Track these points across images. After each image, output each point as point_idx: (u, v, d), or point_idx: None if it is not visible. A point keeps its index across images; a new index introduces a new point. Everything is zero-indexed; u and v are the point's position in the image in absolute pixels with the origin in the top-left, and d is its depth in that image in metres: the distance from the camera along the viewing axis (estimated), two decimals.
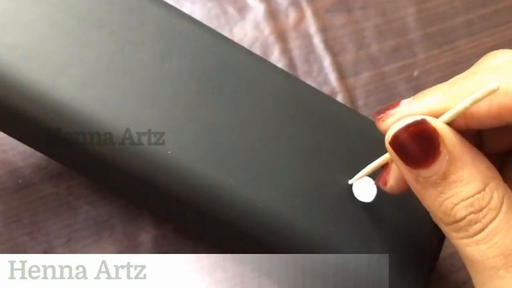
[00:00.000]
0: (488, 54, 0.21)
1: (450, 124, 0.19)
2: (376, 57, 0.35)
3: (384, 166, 0.22)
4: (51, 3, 0.24)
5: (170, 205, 0.25)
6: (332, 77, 0.34)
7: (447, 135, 0.19)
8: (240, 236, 0.24)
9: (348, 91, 0.34)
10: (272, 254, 0.24)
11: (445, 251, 0.31)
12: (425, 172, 0.19)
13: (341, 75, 0.35)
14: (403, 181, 0.21)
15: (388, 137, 0.19)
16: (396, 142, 0.19)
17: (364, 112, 0.34)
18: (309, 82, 0.34)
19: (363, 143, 0.25)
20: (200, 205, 0.23)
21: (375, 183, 0.23)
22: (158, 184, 0.23)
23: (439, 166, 0.18)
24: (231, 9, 0.35)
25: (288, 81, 0.26)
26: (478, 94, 0.17)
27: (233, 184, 0.23)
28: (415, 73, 0.35)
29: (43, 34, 0.23)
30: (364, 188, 0.24)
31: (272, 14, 0.36)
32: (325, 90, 0.34)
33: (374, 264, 0.23)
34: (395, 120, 0.20)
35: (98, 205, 0.30)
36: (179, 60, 0.24)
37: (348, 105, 0.33)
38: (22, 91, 0.22)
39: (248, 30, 0.35)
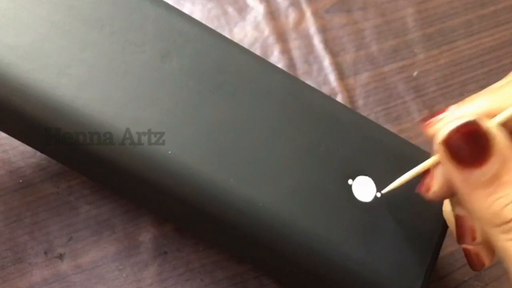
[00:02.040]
0: None
1: (502, 126, 0.19)
2: (376, 57, 0.35)
3: (425, 173, 0.22)
4: (51, 3, 0.24)
5: (170, 205, 0.25)
6: (332, 77, 0.34)
7: (500, 136, 0.19)
8: (240, 236, 0.24)
9: (348, 91, 0.34)
10: (272, 253, 0.24)
11: (445, 251, 0.31)
12: (476, 173, 0.19)
13: (341, 75, 0.35)
14: (447, 186, 0.21)
15: (440, 137, 0.19)
16: (449, 142, 0.19)
17: (363, 112, 0.34)
18: (309, 82, 0.34)
19: (363, 143, 0.25)
20: (200, 205, 0.23)
21: (416, 191, 0.23)
22: (158, 184, 0.23)
23: (491, 167, 0.18)
24: (231, 10, 0.35)
25: (288, 81, 0.26)
26: None
27: (233, 184, 0.23)
28: (415, 73, 0.35)
29: (44, 34, 0.23)
30: (363, 188, 0.24)
31: (272, 14, 0.36)
32: (324, 90, 0.34)
33: (374, 264, 0.23)
34: (445, 124, 0.19)
35: (98, 204, 0.30)
36: (179, 60, 0.24)
37: (347, 105, 0.33)
38: (22, 91, 0.22)
39: (248, 31, 0.35)
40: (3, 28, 0.23)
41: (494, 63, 0.36)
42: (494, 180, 0.19)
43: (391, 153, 0.25)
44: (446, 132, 0.19)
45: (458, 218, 0.23)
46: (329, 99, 0.26)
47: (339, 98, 0.34)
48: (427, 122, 0.21)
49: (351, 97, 0.34)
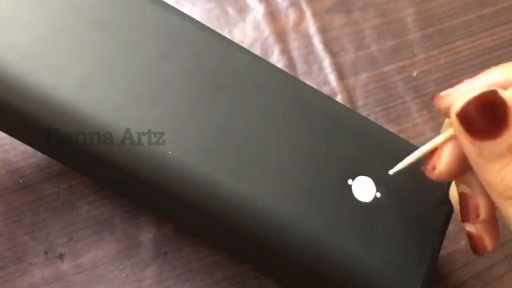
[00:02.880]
0: None
1: None
2: (376, 57, 0.35)
3: (432, 152, 0.22)
4: (51, 3, 0.24)
5: (171, 205, 0.25)
6: (332, 77, 0.34)
7: None
8: (240, 236, 0.24)
9: (348, 91, 0.34)
10: (272, 253, 0.24)
11: (445, 250, 0.31)
12: (491, 144, 0.19)
13: (341, 75, 0.35)
14: (454, 165, 0.21)
15: (456, 108, 0.19)
16: (464, 113, 0.19)
17: (363, 112, 0.34)
18: (309, 82, 0.34)
19: (363, 143, 0.25)
20: (200, 205, 0.23)
21: (421, 169, 0.22)
22: (158, 184, 0.23)
23: (506, 138, 0.18)
24: (231, 10, 0.36)
25: (288, 81, 0.26)
26: None
27: (233, 184, 0.23)
28: (415, 74, 0.35)
29: (44, 34, 0.23)
30: (363, 188, 0.24)
31: (272, 14, 0.36)
32: (324, 90, 0.34)
33: (373, 264, 0.23)
34: (460, 95, 0.19)
35: (98, 204, 0.30)
36: (179, 60, 0.24)
37: (347, 105, 0.33)
38: (22, 91, 0.22)
39: (248, 31, 0.35)
40: (3, 28, 0.23)
41: (494, 63, 0.35)
42: (509, 151, 0.18)
43: (391, 153, 0.25)
44: (461, 103, 0.19)
45: (462, 196, 0.23)
46: (329, 99, 0.26)
47: (339, 98, 0.34)
48: (440, 95, 0.21)
49: (351, 97, 0.34)
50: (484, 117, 0.18)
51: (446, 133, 0.21)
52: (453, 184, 0.25)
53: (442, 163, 0.21)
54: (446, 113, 0.21)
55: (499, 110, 0.18)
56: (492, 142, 0.18)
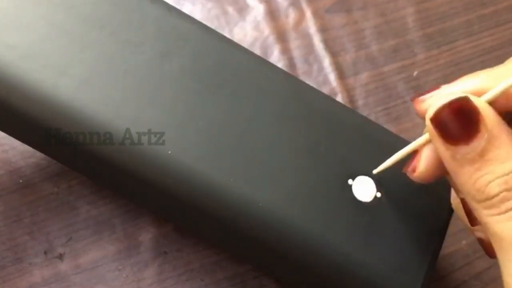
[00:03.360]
0: None
1: (490, 104, 0.19)
2: (376, 57, 0.35)
3: (413, 154, 0.22)
4: (51, 3, 0.24)
5: (170, 205, 0.25)
6: (332, 77, 0.34)
7: (488, 114, 0.19)
8: (240, 236, 0.24)
9: (348, 91, 0.34)
10: (272, 253, 0.24)
11: (445, 250, 0.31)
12: (463, 149, 0.19)
13: (341, 75, 0.35)
14: (433, 167, 0.22)
15: (430, 113, 0.20)
16: (438, 118, 0.19)
17: (363, 112, 0.34)
18: (309, 82, 0.34)
19: (363, 143, 0.25)
20: (200, 205, 0.23)
21: (403, 172, 0.23)
22: (158, 184, 0.23)
23: (478, 143, 0.19)
24: (231, 10, 0.35)
25: (288, 81, 0.26)
26: None
27: (233, 184, 0.23)
28: (415, 73, 0.35)
29: (43, 34, 0.23)
30: (363, 188, 0.24)
31: (272, 14, 0.36)
32: (324, 90, 0.34)
33: (374, 264, 0.23)
34: (435, 100, 0.20)
35: (98, 204, 0.30)
36: (179, 60, 0.24)
37: (347, 105, 0.33)
38: (22, 91, 0.22)
39: (248, 30, 0.35)
40: (3, 28, 0.23)
41: (494, 63, 0.35)
42: (481, 156, 0.19)
43: (391, 153, 0.25)
44: (436, 107, 0.19)
45: (463, 201, 0.23)
46: (329, 99, 0.26)
47: (339, 98, 0.34)
48: (418, 99, 0.22)
49: (351, 97, 0.34)
50: (457, 122, 0.19)
51: (426, 135, 0.22)
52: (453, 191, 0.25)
53: (422, 165, 0.22)
54: (423, 117, 0.21)
55: (471, 116, 0.19)
56: (464, 147, 0.19)
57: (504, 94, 0.19)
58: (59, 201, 0.29)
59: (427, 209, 0.25)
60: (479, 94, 0.20)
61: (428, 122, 0.20)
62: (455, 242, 0.31)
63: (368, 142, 0.25)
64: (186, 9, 0.35)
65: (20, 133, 0.25)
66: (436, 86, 0.22)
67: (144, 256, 0.29)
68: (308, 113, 0.25)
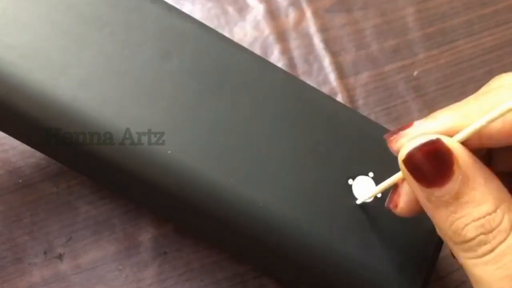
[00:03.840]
0: (498, 76, 0.21)
1: (463, 143, 0.19)
2: (376, 57, 0.35)
3: (394, 188, 0.22)
4: (51, 3, 0.24)
5: (170, 205, 0.25)
6: (332, 77, 0.34)
7: (461, 155, 0.18)
8: (240, 236, 0.24)
9: (348, 91, 0.34)
10: (272, 253, 0.24)
11: (444, 251, 0.31)
12: (438, 192, 0.19)
13: (341, 75, 0.35)
14: (413, 203, 0.21)
15: (401, 156, 0.19)
16: (410, 161, 0.19)
17: (364, 112, 0.34)
18: (309, 82, 0.34)
19: (363, 143, 0.25)
20: (200, 205, 0.23)
21: (386, 206, 0.23)
22: (158, 184, 0.23)
23: (452, 186, 0.18)
24: (231, 9, 0.35)
25: (288, 81, 0.26)
26: (495, 113, 0.17)
27: (233, 184, 0.23)
28: (415, 73, 0.35)
29: (43, 34, 0.23)
30: (363, 188, 0.24)
31: (272, 14, 0.36)
32: (325, 90, 0.34)
33: (374, 264, 0.23)
34: (408, 140, 0.19)
35: (98, 204, 0.30)
36: (179, 60, 0.24)
37: (347, 105, 0.33)
38: (22, 91, 0.22)
39: (248, 30, 0.35)
40: (3, 28, 0.23)
41: (495, 63, 0.36)
42: (455, 199, 0.18)
43: (391, 153, 0.25)
44: (407, 150, 0.19)
45: None
46: (329, 99, 0.26)
47: (339, 98, 0.34)
48: (392, 138, 0.21)
49: (351, 97, 0.34)
50: (429, 164, 0.18)
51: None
52: None
53: (402, 202, 0.22)
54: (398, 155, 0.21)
55: (444, 158, 0.18)
56: (438, 189, 0.18)
57: (477, 132, 0.19)
58: (59, 201, 0.29)
59: None
60: (451, 132, 0.19)
61: (400, 163, 0.19)
62: None
63: (368, 142, 0.25)
64: (186, 9, 0.35)
65: (20, 133, 0.25)
66: (409, 123, 0.21)
67: (144, 256, 0.29)
68: (308, 113, 0.25)
